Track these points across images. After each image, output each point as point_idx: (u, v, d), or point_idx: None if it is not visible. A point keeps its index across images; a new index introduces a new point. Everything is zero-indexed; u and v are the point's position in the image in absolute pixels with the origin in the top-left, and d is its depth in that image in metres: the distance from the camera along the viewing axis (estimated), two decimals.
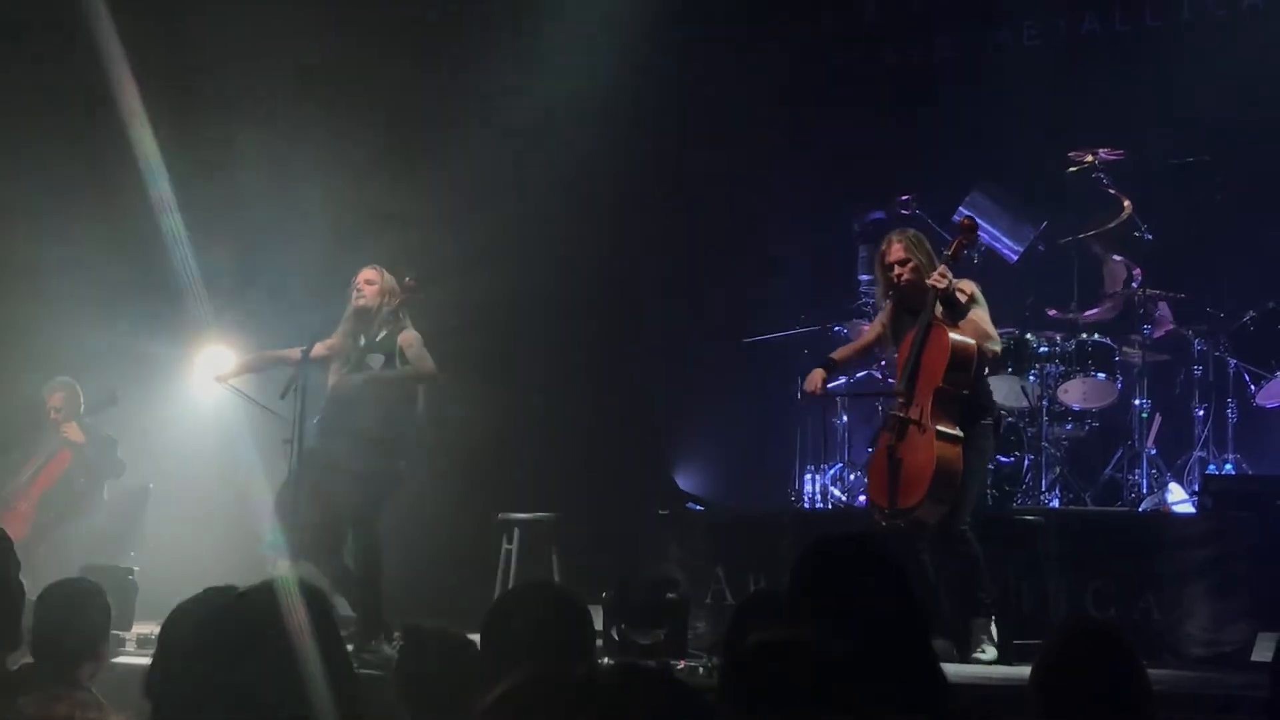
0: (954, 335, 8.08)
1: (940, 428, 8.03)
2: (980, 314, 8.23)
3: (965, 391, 8.14)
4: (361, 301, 8.95)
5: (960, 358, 8.07)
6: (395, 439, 8.83)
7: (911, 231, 8.46)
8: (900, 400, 8.27)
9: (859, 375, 10.61)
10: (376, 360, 8.88)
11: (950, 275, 8.08)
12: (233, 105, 11.38)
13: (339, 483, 8.63)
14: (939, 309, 8.12)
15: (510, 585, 9.76)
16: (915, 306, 8.26)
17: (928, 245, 8.34)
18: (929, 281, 8.08)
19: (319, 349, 8.97)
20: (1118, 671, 3.61)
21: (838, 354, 8.92)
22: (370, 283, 8.96)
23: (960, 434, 8.06)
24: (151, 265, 10.67)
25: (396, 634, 8.76)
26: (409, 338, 8.91)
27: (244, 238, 11.35)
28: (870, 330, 8.83)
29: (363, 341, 8.93)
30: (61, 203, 10.94)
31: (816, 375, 8.60)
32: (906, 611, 3.43)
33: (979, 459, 8.24)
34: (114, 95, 10.28)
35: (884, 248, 8.34)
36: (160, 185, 10.34)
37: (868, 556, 3.52)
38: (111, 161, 10.70)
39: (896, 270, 8.26)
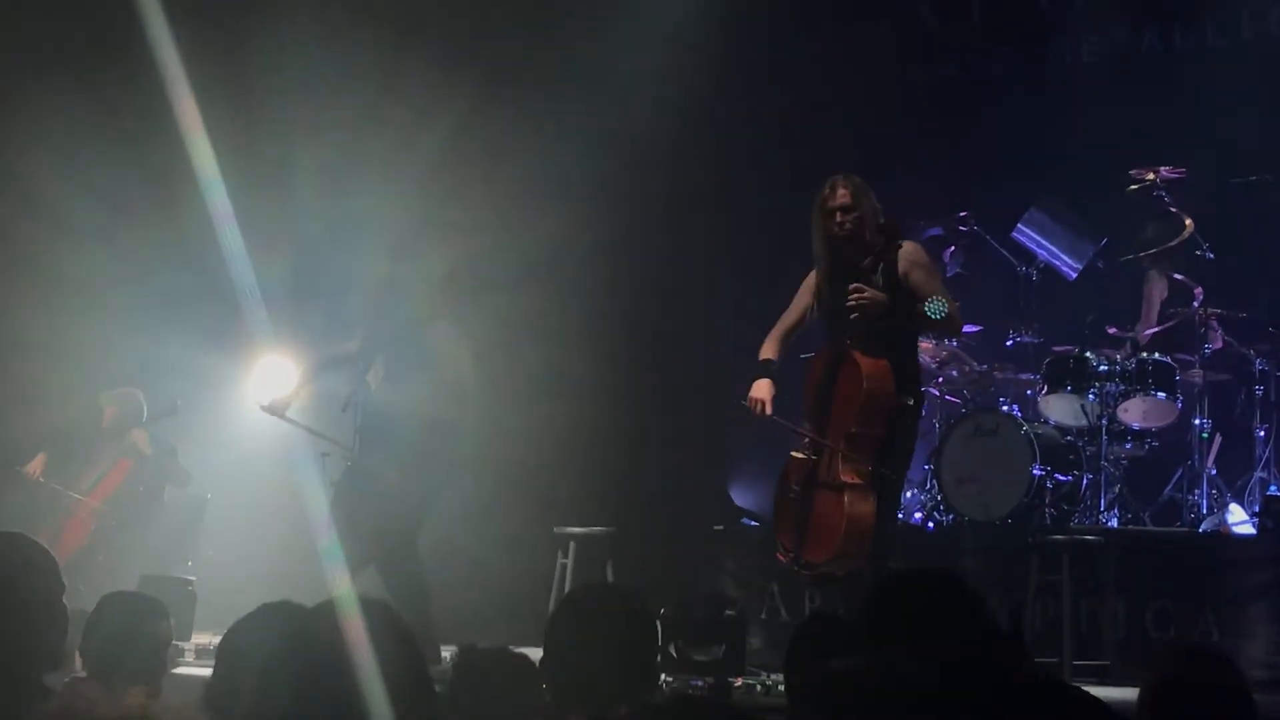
0: (869, 370, 7.21)
1: (849, 480, 7.23)
2: (925, 280, 7.35)
3: (880, 433, 7.27)
4: (369, 314, 8.60)
5: (876, 399, 7.23)
6: (433, 451, 8.36)
7: (858, 178, 7.38)
8: (806, 440, 7.50)
9: None
10: (408, 359, 8.44)
11: (866, 293, 7.14)
12: (290, 117, 11.42)
13: (379, 494, 8.34)
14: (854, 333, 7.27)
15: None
16: (852, 265, 7.32)
17: (873, 198, 7.37)
18: (850, 301, 7.14)
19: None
20: (1231, 693, 3.60)
21: (770, 350, 7.73)
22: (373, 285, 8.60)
23: (867, 484, 7.21)
24: (209, 277, 10.71)
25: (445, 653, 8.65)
26: (439, 333, 8.45)
27: (302, 249, 11.38)
28: (796, 304, 7.71)
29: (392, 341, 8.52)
30: (121, 216, 10.99)
31: (764, 388, 7.59)
32: (988, 642, 3.40)
33: (891, 499, 7.40)
34: (172, 108, 10.32)
35: (826, 192, 7.30)
36: (218, 198, 10.37)
37: (946, 588, 3.50)
38: (170, 175, 10.75)
39: (840, 218, 7.25)
